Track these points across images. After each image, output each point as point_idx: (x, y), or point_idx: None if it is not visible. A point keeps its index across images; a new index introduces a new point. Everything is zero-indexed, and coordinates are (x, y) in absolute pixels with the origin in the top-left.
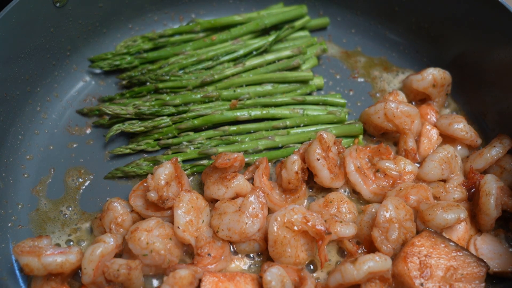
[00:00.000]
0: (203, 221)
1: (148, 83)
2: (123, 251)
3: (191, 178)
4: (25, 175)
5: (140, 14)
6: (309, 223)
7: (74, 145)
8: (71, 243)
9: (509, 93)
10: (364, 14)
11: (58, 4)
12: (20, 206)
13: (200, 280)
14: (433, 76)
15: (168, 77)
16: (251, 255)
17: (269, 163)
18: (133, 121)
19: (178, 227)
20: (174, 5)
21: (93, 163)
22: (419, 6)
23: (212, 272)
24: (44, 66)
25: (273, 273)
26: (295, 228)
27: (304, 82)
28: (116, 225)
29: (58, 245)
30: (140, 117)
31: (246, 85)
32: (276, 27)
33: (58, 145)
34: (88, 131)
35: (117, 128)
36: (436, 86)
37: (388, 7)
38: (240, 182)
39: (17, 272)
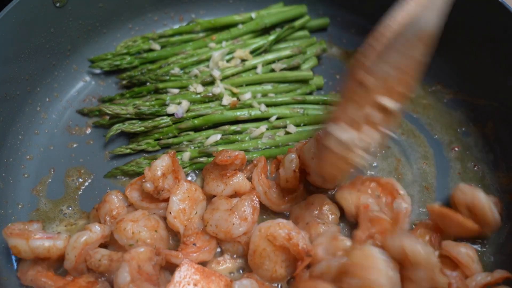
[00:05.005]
0: (196, 212)
1: (148, 83)
2: (109, 243)
3: (191, 175)
4: (25, 175)
5: (140, 14)
6: (292, 241)
7: (74, 145)
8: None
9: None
10: (364, 14)
11: (58, 4)
12: (20, 206)
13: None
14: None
15: (168, 77)
16: (239, 260)
17: (268, 161)
18: (133, 121)
19: (170, 213)
20: (174, 5)
21: (93, 163)
22: None
23: (191, 263)
24: (44, 66)
25: (242, 285)
26: (276, 243)
27: (304, 81)
28: (111, 217)
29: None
30: (140, 117)
31: (246, 85)
32: (276, 26)
33: (58, 145)
34: (88, 131)
35: (117, 128)
36: None
37: (388, 7)
38: (239, 180)
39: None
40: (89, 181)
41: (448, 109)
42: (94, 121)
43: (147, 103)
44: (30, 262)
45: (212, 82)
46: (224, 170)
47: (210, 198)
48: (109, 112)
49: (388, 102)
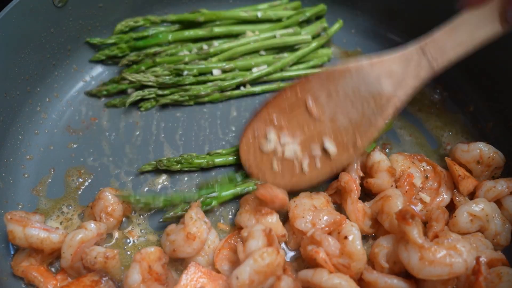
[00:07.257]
0: None
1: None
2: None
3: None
4: (25, 175)
5: (140, 14)
6: None
7: (74, 145)
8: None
9: None
10: (364, 14)
11: (58, 4)
12: (20, 206)
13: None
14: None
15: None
16: None
17: None
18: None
19: None
20: (174, 6)
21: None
22: (419, 6)
23: (198, 265)
24: (44, 66)
25: None
26: None
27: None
28: (106, 214)
29: None
30: (162, 86)
31: (249, 54)
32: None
33: (58, 145)
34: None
35: (136, 94)
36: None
37: (388, 7)
38: (273, 221)
39: None
40: (89, 181)
41: (448, 109)
42: (106, 102)
43: (166, 72)
44: (25, 254)
45: (214, 54)
46: (262, 205)
47: (239, 229)
48: (132, 79)
49: (330, 145)
